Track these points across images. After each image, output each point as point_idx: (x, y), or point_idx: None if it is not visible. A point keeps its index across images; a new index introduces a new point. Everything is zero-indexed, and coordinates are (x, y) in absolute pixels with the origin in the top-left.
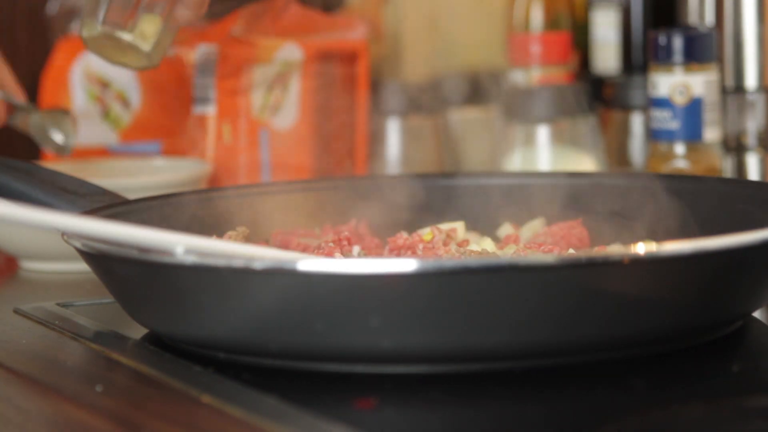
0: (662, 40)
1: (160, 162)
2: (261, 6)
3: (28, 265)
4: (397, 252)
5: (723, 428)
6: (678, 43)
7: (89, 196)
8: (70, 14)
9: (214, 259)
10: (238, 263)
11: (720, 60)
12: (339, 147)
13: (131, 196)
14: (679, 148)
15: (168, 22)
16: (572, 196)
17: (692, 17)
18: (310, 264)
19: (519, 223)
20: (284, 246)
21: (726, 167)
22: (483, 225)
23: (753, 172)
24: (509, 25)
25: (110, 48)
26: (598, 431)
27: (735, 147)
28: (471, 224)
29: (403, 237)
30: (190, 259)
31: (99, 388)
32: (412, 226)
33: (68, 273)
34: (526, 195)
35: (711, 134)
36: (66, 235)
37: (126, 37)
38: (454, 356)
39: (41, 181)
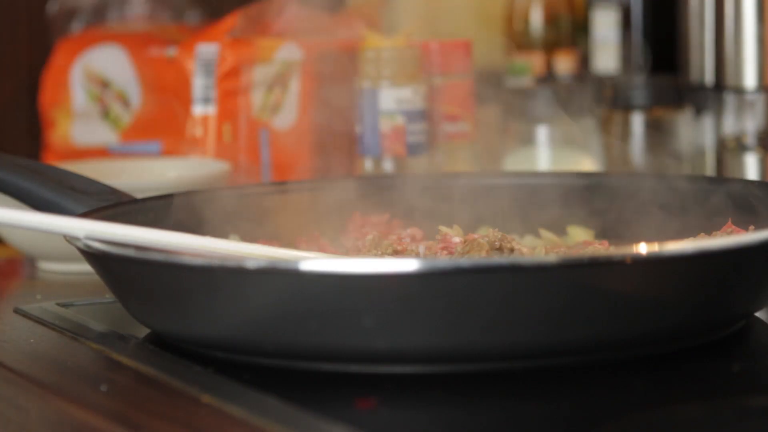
0: None
1: (177, 162)
2: (261, 6)
3: (41, 266)
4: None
5: (723, 428)
6: None
7: (97, 195)
8: (70, 14)
9: (217, 258)
10: (242, 263)
11: (720, 60)
12: (339, 147)
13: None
14: None
15: None
16: (572, 196)
17: (692, 17)
18: (311, 264)
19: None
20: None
21: (726, 167)
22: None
23: (753, 172)
24: (509, 25)
25: None
26: (598, 431)
27: (735, 147)
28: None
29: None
30: (189, 259)
31: (104, 388)
32: (410, 226)
33: (68, 273)
34: (529, 195)
35: None
36: (68, 235)
37: None
38: (455, 356)
39: (49, 180)
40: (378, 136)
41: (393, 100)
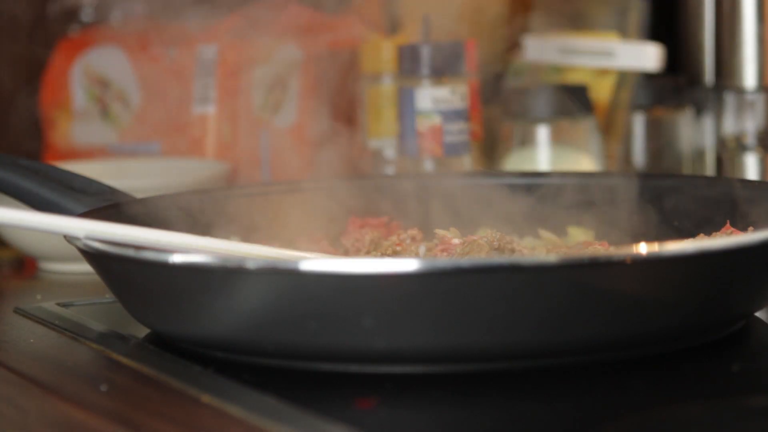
0: None
1: (177, 162)
2: (261, 6)
3: (41, 266)
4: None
5: (723, 428)
6: None
7: (96, 195)
8: (70, 14)
9: (217, 258)
10: (242, 263)
11: (720, 60)
12: (339, 146)
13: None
14: None
15: None
16: (572, 196)
17: (692, 17)
18: (311, 264)
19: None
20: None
21: (726, 167)
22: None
23: (753, 172)
24: (509, 25)
25: None
26: (597, 431)
27: (735, 147)
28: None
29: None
30: (188, 259)
31: (104, 388)
32: (410, 228)
33: (68, 273)
34: (529, 195)
35: None
36: (68, 235)
37: None
38: (455, 356)
39: (49, 180)
40: (415, 136)
41: (430, 99)
